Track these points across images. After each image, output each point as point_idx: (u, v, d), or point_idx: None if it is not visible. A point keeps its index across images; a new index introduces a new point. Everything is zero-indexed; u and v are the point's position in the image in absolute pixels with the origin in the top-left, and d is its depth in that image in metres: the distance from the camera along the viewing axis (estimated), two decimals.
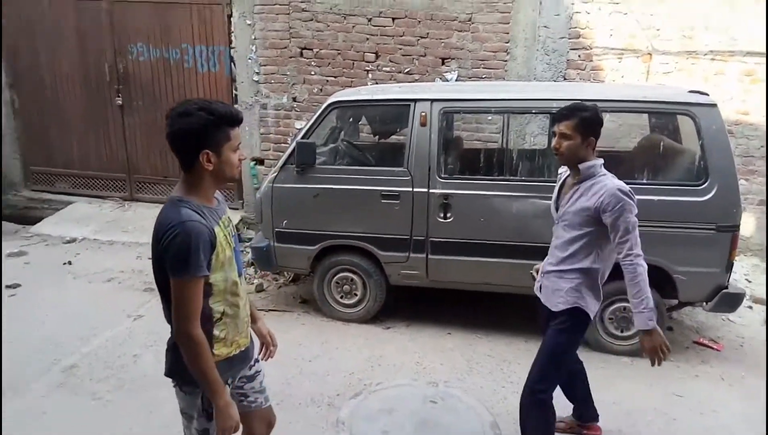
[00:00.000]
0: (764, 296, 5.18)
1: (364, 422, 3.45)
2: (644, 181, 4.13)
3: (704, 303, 4.21)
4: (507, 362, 4.23)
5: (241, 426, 2.14)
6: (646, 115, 5.06)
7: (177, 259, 1.83)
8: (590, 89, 4.68)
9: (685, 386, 3.98)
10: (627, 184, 4.04)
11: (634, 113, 5.10)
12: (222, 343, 2.06)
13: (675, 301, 4.32)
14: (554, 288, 2.82)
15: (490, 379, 4.00)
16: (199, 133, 1.88)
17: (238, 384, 2.28)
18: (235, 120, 1.96)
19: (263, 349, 2.44)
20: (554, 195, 2.97)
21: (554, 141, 2.74)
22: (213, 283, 1.96)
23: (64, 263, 5.91)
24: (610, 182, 2.65)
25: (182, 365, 1.99)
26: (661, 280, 4.14)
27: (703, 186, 3.97)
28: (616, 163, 4.54)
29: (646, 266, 2.60)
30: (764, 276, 5.53)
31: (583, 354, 4.28)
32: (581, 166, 2.71)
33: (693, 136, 4.06)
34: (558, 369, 2.88)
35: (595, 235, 2.68)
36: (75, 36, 7.10)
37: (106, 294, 5.24)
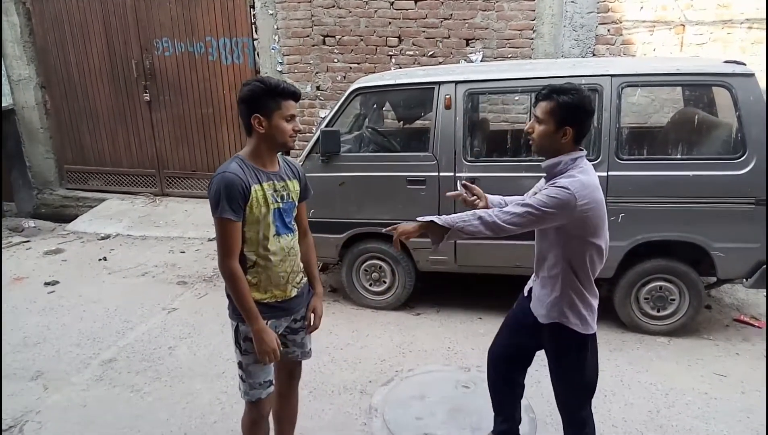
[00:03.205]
0: None
1: (396, 408, 3.44)
2: (679, 157, 4.03)
3: (744, 280, 4.08)
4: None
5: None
6: (679, 89, 4.91)
7: (211, 201, 2.20)
8: (620, 64, 4.53)
9: (725, 365, 3.88)
10: (661, 160, 4.04)
11: (667, 87, 4.96)
12: (255, 288, 2.35)
13: (714, 279, 4.21)
14: (539, 296, 2.47)
15: None
16: (251, 98, 2.20)
17: (283, 332, 2.52)
18: (286, 92, 2.21)
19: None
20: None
21: (529, 123, 2.35)
22: (246, 232, 2.27)
23: (100, 259, 6.04)
24: (576, 177, 2.19)
25: (227, 300, 2.39)
26: (698, 258, 4.05)
27: (741, 159, 3.84)
28: (648, 139, 4.47)
29: (493, 224, 2.25)
30: None
31: (618, 335, 4.27)
32: (547, 163, 2.30)
33: (729, 108, 3.93)
34: (585, 390, 2.52)
35: (562, 240, 2.28)
36: (102, 34, 7.20)
37: (140, 288, 5.34)
